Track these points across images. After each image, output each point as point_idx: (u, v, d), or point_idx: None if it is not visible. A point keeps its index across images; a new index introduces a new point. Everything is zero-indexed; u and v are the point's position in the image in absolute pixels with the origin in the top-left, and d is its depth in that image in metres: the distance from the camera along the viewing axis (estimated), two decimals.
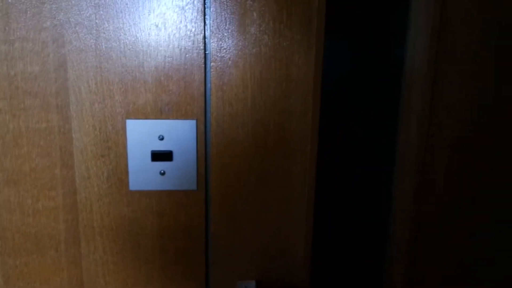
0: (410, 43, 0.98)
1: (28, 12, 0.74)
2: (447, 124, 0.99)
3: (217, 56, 0.78)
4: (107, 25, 0.75)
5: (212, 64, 0.78)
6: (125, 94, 0.78)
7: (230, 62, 0.78)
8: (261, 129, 0.82)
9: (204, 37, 0.78)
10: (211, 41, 0.77)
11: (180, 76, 0.78)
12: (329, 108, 1.12)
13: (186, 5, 0.76)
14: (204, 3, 0.76)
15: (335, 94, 1.17)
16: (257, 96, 0.80)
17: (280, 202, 0.86)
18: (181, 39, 0.77)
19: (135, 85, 0.78)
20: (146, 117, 0.80)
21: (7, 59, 0.75)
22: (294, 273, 0.90)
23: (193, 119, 0.80)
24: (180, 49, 0.77)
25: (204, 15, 0.77)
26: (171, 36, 0.77)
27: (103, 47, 0.76)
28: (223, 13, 0.76)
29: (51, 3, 0.74)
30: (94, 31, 0.76)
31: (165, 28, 0.76)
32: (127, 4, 0.75)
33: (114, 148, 0.81)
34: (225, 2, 0.76)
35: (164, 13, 0.76)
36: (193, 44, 0.77)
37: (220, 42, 0.78)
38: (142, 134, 0.80)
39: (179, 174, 0.83)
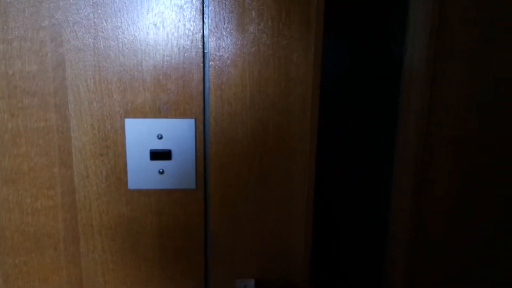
0: (409, 42, 0.97)
1: (26, 11, 0.72)
2: (446, 123, 0.97)
3: (215, 55, 0.76)
4: (105, 24, 0.74)
5: (210, 63, 0.77)
6: (124, 93, 0.77)
7: (228, 61, 0.77)
8: (260, 128, 0.80)
9: (203, 36, 0.76)
10: (210, 40, 0.76)
11: (179, 75, 0.77)
12: (328, 108, 1.10)
13: (185, 3, 0.74)
14: (203, 2, 0.74)
15: (334, 93, 1.16)
16: (256, 95, 0.79)
17: (279, 202, 0.84)
18: (180, 38, 0.75)
19: (134, 84, 0.77)
20: (144, 116, 0.78)
21: (5, 58, 0.74)
22: (294, 273, 0.89)
23: (192, 118, 0.79)
24: (179, 48, 0.76)
25: (203, 14, 0.75)
26: (170, 35, 0.75)
27: (102, 46, 0.75)
28: (221, 12, 0.75)
29: (49, 2, 0.72)
30: (92, 30, 0.74)
31: (163, 27, 0.75)
32: (125, 3, 0.73)
33: (113, 147, 0.79)
34: (223, 1, 0.74)
35: (163, 12, 0.74)
36: (191, 43, 0.76)
37: (219, 41, 0.76)
38: (141, 133, 0.79)
39: (178, 173, 0.81)
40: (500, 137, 0.99)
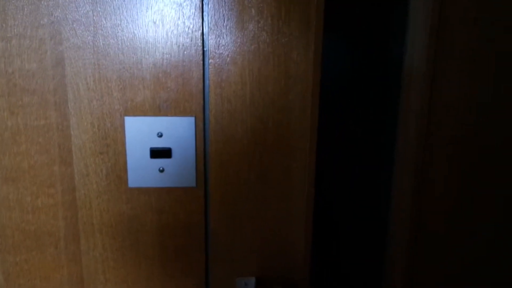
0: (409, 42, 0.93)
1: (25, 9, 0.69)
2: (446, 123, 0.93)
3: (215, 53, 0.73)
4: (104, 22, 0.70)
5: (210, 61, 0.73)
6: (123, 91, 0.73)
7: (228, 59, 0.73)
8: (260, 126, 0.76)
9: (202, 34, 0.72)
10: (209, 37, 0.72)
11: (178, 73, 0.73)
12: (328, 107, 1.06)
13: (184, 1, 0.71)
14: (202, 0, 0.71)
15: (334, 93, 1.12)
16: (255, 93, 0.75)
17: (279, 200, 0.81)
18: (179, 36, 0.72)
19: (133, 82, 0.73)
20: (144, 114, 0.75)
21: (5, 56, 0.70)
22: (294, 271, 0.85)
23: (191, 116, 0.75)
24: (178, 46, 0.72)
25: (202, 11, 0.71)
26: (169, 33, 0.72)
27: (101, 44, 0.71)
28: (221, 10, 0.71)
29: None
30: (92, 28, 0.71)
31: (163, 25, 0.71)
32: (124, 0, 0.70)
33: (113, 145, 0.76)
34: None
35: (162, 10, 0.71)
36: (191, 41, 0.72)
37: (218, 39, 0.72)
38: (140, 131, 0.75)
39: (178, 171, 0.77)
40: (500, 137, 0.95)
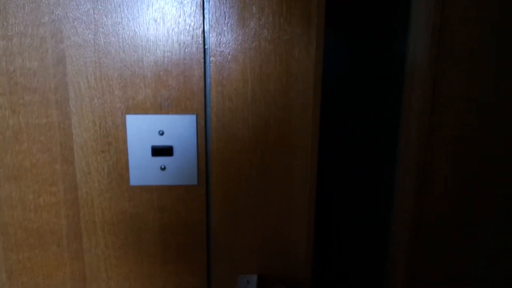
0: (411, 42, 0.88)
1: (26, 7, 0.65)
2: (446, 123, 0.89)
3: (216, 50, 0.69)
4: (105, 20, 0.67)
5: (211, 58, 0.69)
6: (125, 89, 0.69)
7: (229, 56, 0.69)
8: (262, 124, 0.72)
9: (203, 32, 0.68)
10: (210, 35, 0.68)
11: (180, 71, 0.69)
12: (329, 107, 1.02)
13: None
14: None
15: (335, 93, 1.08)
16: (257, 91, 0.71)
17: (281, 198, 0.76)
18: (180, 33, 0.68)
19: (135, 80, 0.69)
20: (145, 112, 0.71)
21: (6, 55, 0.67)
22: (296, 270, 0.80)
23: (193, 114, 0.71)
24: (179, 44, 0.68)
25: (203, 9, 0.68)
26: (170, 31, 0.68)
27: (102, 42, 0.67)
28: (222, 7, 0.67)
29: None
30: (93, 26, 0.67)
31: (164, 23, 0.67)
32: None
33: (114, 143, 0.72)
34: None
35: (163, 7, 0.67)
36: (192, 38, 0.68)
37: (220, 37, 0.68)
38: (142, 129, 0.71)
39: (180, 169, 0.73)
40: (500, 137, 0.90)
